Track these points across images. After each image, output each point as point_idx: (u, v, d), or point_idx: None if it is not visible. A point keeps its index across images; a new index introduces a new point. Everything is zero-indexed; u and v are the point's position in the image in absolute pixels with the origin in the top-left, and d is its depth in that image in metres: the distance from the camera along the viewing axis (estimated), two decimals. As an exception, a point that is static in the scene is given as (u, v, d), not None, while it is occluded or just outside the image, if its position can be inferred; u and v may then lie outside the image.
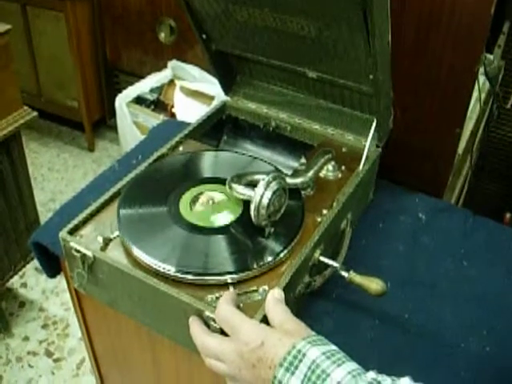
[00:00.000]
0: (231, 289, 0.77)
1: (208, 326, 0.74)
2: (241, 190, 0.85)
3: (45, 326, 2.13)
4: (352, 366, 0.61)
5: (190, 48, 2.46)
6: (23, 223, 1.95)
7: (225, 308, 0.70)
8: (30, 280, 2.28)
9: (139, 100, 2.35)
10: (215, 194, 0.90)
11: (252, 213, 0.80)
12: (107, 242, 0.85)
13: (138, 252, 0.81)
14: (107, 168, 1.19)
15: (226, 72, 1.13)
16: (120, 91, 2.39)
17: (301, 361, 0.61)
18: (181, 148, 1.04)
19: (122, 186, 0.94)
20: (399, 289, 0.93)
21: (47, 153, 2.99)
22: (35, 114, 1.78)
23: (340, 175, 0.99)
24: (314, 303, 0.89)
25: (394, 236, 1.03)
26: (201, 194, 0.91)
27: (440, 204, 1.11)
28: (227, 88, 1.14)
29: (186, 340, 0.76)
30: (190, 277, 0.78)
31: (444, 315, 0.90)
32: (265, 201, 0.79)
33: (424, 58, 1.05)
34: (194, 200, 0.90)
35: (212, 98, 2.21)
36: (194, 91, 2.24)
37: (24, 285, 2.27)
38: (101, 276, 0.84)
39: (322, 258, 0.86)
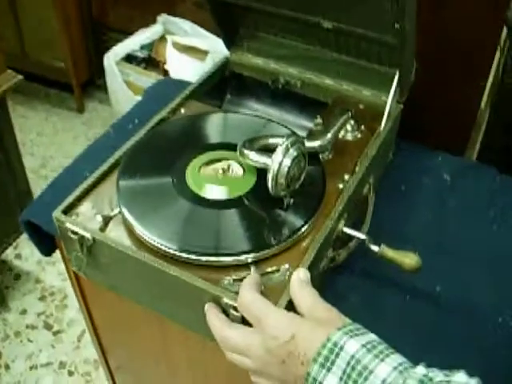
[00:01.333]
0: (253, 270, 0.69)
1: (227, 314, 0.66)
2: (255, 157, 0.75)
3: (42, 298, 2.06)
4: (397, 359, 0.53)
5: (181, 0, 2.32)
6: (14, 192, 1.85)
7: (248, 295, 0.62)
8: (25, 251, 2.19)
9: (129, 58, 2.23)
10: (224, 162, 0.81)
11: (270, 183, 0.71)
12: (107, 220, 0.76)
13: (141, 231, 0.72)
14: (101, 135, 1.09)
15: (229, 25, 1.02)
16: (108, 49, 2.26)
17: (338, 355, 0.54)
18: (182, 110, 0.94)
19: (121, 154, 0.84)
20: (428, 258, 0.84)
21: (35, 117, 2.87)
22: (20, 77, 1.67)
23: (359, 135, 0.90)
24: (337, 278, 0.81)
25: (418, 200, 0.95)
26: (210, 161, 0.81)
27: (464, 163, 1.03)
28: (230, 42, 1.03)
29: (201, 327, 0.69)
30: (203, 258, 0.69)
31: (478, 286, 0.83)
32: (284, 169, 0.70)
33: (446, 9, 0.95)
34: (203, 169, 0.81)
35: (206, 52, 2.09)
36: (186, 46, 2.12)
37: (18, 256, 2.18)
38: (102, 259, 0.76)
39: (347, 230, 0.77)
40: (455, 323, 0.78)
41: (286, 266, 0.70)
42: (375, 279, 0.82)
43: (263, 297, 0.62)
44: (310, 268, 0.69)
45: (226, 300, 0.65)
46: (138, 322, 0.95)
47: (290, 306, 0.64)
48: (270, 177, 0.70)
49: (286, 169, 0.70)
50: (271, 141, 0.79)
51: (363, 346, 0.54)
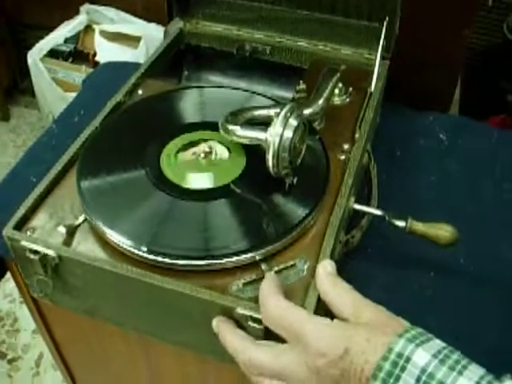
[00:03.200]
0: (265, 269, 0.57)
1: (243, 327, 0.53)
2: (243, 132, 0.62)
3: (-10, 325, 1.86)
4: (477, 371, 0.42)
5: (102, -13, 2.14)
6: None
7: (276, 303, 0.49)
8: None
9: (54, 53, 2.03)
10: (205, 144, 0.68)
11: (270, 161, 0.58)
12: (72, 231, 0.62)
13: (118, 239, 0.58)
14: (43, 133, 0.93)
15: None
16: (30, 49, 2.05)
17: (404, 369, 0.42)
18: (140, 91, 0.79)
19: (76, 150, 0.69)
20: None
21: (-44, 130, 2.61)
22: None
23: (348, 99, 0.78)
24: (350, 264, 0.70)
25: (419, 165, 0.85)
26: (188, 145, 0.68)
27: (457, 120, 0.93)
28: (182, 10, 0.89)
29: (209, 348, 0.56)
30: (201, 262, 0.56)
31: (504, 252, 0.74)
32: (285, 142, 0.58)
33: None
34: (181, 155, 0.67)
35: (138, 39, 1.93)
36: (116, 34, 1.95)
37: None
38: (72, 280, 0.61)
39: (359, 207, 0.66)
40: (487, 296, 0.69)
41: (303, 258, 0.58)
42: (392, 259, 0.71)
43: (295, 304, 0.49)
44: (331, 256, 0.58)
45: (240, 311, 0.53)
46: (114, 343, 0.81)
47: (319, 311, 0.53)
48: (270, 154, 0.58)
49: (288, 142, 0.58)
50: (257, 113, 0.67)
51: (434, 356, 0.42)
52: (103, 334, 0.79)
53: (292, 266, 0.57)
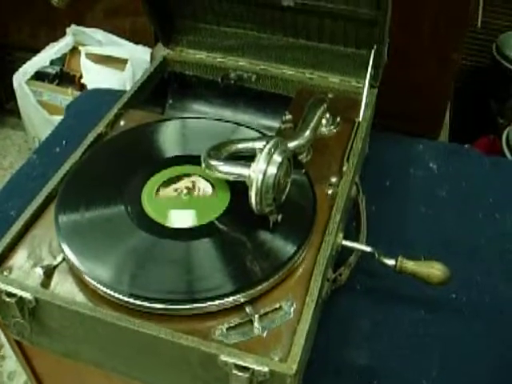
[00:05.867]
0: (252, 314, 0.54)
1: (226, 374, 0.50)
2: (226, 168, 0.60)
3: (-25, 353, 1.81)
4: None
5: (88, 9, 2.12)
6: None
7: None
8: None
9: (40, 76, 2.00)
10: (187, 180, 0.65)
11: (253, 199, 0.56)
12: (49, 272, 0.59)
13: (96, 281, 0.56)
14: (23, 164, 0.90)
15: (163, 16, 0.86)
16: (16, 70, 2.02)
17: None
18: (122, 122, 0.77)
19: (56, 184, 0.67)
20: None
21: None
22: None
23: (336, 129, 0.76)
24: (338, 303, 0.68)
25: (409, 195, 0.83)
26: (170, 180, 0.66)
27: (448, 148, 0.92)
28: (166, 37, 0.88)
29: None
30: (181, 306, 0.54)
31: (497, 284, 0.72)
32: (269, 179, 0.56)
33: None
34: (162, 191, 0.65)
35: (125, 61, 1.91)
36: (102, 57, 1.92)
37: None
38: (50, 323, 0.59)
39: (348, 243, 0.64)
40: (481, 330, 0.67)
41: (289, 300, 0.56)
42: (381, 296, 0.69)
43: None
44: (318, 297, 0.56)
45: (224, 358, 0.50)
46: (96, 381, 0.77)
47: (305, 355, 0.50)
48: (253, 191, 0.56)
49: (272, 179, 0.56)
50: (241, 146, 0.65)
51: None
52: (85, 371, 0.76)
53: (278, 308, 0.55)
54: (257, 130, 0.73)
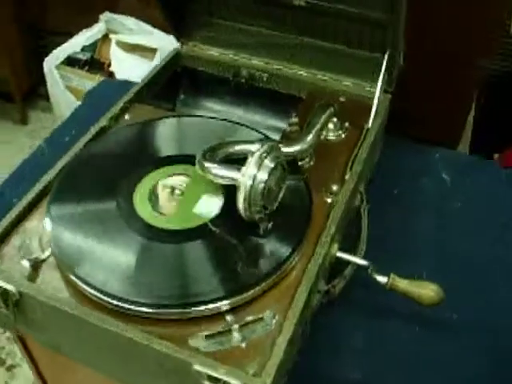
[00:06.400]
0: (230, 321, 0.53)
1: (198, 385, 0.49)
2: (218, 171, 0.59)
3: (-10, 332, 1.84)
4: None
5: (124, -3, 2.13)
6: None
7: None
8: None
9: (71, 61, 2.02)
10: (183, 180, 0.64)
11: (240, 205, 0.55)
12: (37, 265, 0.59)
13: (81, 279, 0.55)
14: (33, 151, 0.90)
15: (177, 10, 0.85)
16: (49, 54, 2.05)
17: None
18: (127, 116, 0.76)
19: (53, 177, 0.67)
20: (438, 279, 0.70)
21: (-25, 130, 2.63)
22: None
23: (344, 135, 0.74)
24: (330, 315, 0.66)
25: (416, 206, 0.80)
26: (163, 180, 0.64)
27: (465, 159, 0.89)
28: (180, 32, 0.86)
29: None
30: (160, 310, 0.53)
31: (503, 307, 0.68)
32: (259, 186, 0.54)
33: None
34: (156, 190, 0.64)
35: (154, 51, 1.90)
36: (132, 45, 1.92)
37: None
38: (34, 316, 0.58)
39: (342, 255, 0.62)
40: (481, 358, 0.64)
41: (272, 311, 0.54)
42: (375, 311, 0.66)
43: None
44: (304, 309, 0.54)
45: (197, 367, 0.49)
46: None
47: (283, 369, 0.49)
48: (241, 196, 0.54)
49: (262, 185, 0.54)
50: (238, 148, 0.63)
51: None
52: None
53: (259, 319, 0.53)
54: (259, 131, 0.71)
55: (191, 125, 0.73)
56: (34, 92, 2.67)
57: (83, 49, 2.05)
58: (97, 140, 0.71)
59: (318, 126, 0.68)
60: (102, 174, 0.66)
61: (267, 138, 0.69)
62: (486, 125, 1.12)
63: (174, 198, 0.62)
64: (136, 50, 1.93)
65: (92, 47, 2.05)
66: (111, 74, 1.92)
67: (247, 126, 0.71)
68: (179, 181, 0.64)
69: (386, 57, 0.71)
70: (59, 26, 2.38)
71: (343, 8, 0.70)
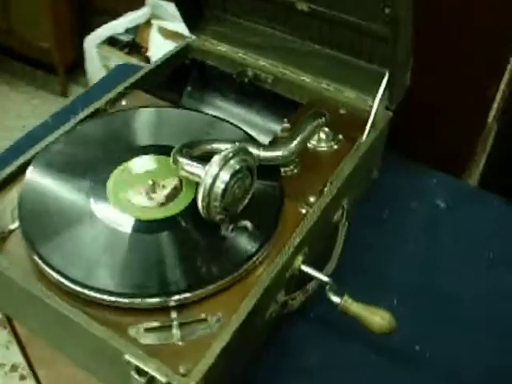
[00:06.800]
0: (174, 320, 0.53)
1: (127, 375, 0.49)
2: (189, 167, 0.58)
3: None
4: None
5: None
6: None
7: None
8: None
9: (112, 41, 2.05)
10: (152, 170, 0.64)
11: (199, 203, 0.54)
12: (4, 235, 0.60)
13: (38, 254, 0.56)
14: (39, 124, 0.92)
15: (191, 2, 0.85)
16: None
17: None
18: (124, 102, 0.77)
19: (35, 153, 0.68)
20: (409, 308, 0.69)
21: (16, 98, 2.70)
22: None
23: (336, 146, 0.73)
24: (291, 329, 0.65)
25: (404, 230, 0.78)
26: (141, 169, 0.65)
27: (464, 188, 0.86)
28: (192, 24, 0.86)
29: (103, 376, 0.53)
30: (106, 298, 0.53)
31: (472, 349, 0.66)
32: (219, 186, 0.54)
33: None
34: (130, 178, 0.64)
35: (195, 41, 1.91)
36: (173, 33, 1.94)
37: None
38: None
39: (306, 268, 0.61)
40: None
41: (219, 314, 0.53)
42: (338, 330, 0.65)
43: None
44: (251, 317, 0.53)
45: (127, 357, 0.49)
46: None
47: (214, 374, 0.48)
48: (199, 194, 0.54)
49: (223, 186, 0.54)
50: (215, 146, 0.63)
51: None
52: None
53: (203, 320, 0.53)
54: (243, 130, 0.70)
55: (177, 117, 0.73)
56: (78, 67, 2.71)
57: (127, 31, 2.08)
58: (87, 121, 0.72)
59: (304, 134, 0.67)
60: (82, 154, 0.66)
61: (251, 138, 0.69)
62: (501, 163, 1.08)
63: (146, 188, 0.62)
64: (175, 37, 1.94)
65: (135, 30, 2.08)
66: (148, 59, 1.94)
67: (236, 126, 0.71)
68: (154, 171, 0.64)
69: (387, 73, 0.70)
70: (108, 6, 2.42)
71: (345, 17, 0.68)
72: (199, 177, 0.56)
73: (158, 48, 1.88)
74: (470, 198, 0.82)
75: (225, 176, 0.53)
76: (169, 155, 0.62)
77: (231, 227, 0.57)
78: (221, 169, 0.53)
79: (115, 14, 2.27)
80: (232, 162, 0.54)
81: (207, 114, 0.75)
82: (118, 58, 1.97)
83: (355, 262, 0.72)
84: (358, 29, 0.71)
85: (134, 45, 2.05)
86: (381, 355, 0.63)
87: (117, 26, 2.05)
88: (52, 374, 0.94)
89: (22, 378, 1.68)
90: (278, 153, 0.65)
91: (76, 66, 2.71)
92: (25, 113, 2.62)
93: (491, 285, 0.72)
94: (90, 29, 2.35)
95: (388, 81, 0.71)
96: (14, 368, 1.71)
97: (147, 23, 2.05)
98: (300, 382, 0.61)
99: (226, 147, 0.61)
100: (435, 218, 0.79)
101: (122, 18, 2.08)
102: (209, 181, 0.53)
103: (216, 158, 0.53)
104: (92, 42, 2.01)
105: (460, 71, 0.85)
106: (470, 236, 0.77)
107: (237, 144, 0.56)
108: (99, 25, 2.30)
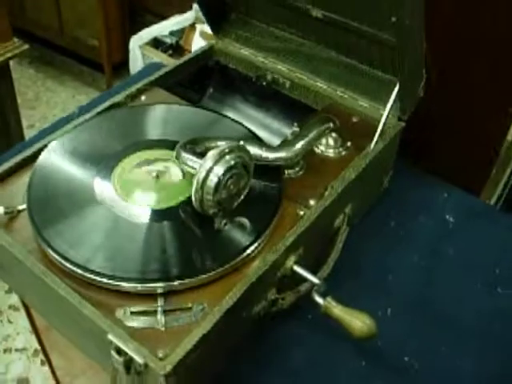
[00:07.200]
0: (161, 306, 0.55)
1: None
2: (190, 162, 0.60)
3: (29, 281, 1.95)
4: None
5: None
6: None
7: None
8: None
9: (157, 43, 2.11)
10: (162, 164, 0.66)
11: (193, 195, 0.56)
12: (13, 215, 0.63)
13: (42, 236, 0.59)
14: (67, 115, 0.96)
15: (216, 6, 0.87)
16: (144, 32, 2.14)
17: None
18: (143, 97, 0.80)
19: (50, 140, 0.71)
20: (404, 318, 0.69)
21: (63, 92, 2.80)
22: (26, 47, 1.57)
23: (344, 153, 0.74)
24: (281, 328, 0.66)
25: (409, 241, 0.78)
26: (146, 161, 0.67)
27: (476, 204, 0.85)
28: (216, 26, 0.89)
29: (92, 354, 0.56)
30: (98, 278, 0.55)
31: (462, 366, 0.65)
32: (212, 179, 0.55)
33: (474, 6, 0.77)
34: (136, 170, 0.66)
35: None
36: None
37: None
38: (1, 260, 0.63)
39: (298, 269, 0.62)
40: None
41: (204, 305, 0.55)
42: (328, 334, 0.65)
43: None
44: (234, 310, 0.54)
45: (110, 336, 0.51)
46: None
47: (190, 358, 0.50)
48: (193, 186, 0.55)
49: (216, 179, 0.55)
50: (220, 143, 0.64)
51: None
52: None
53: (187, 308, 0.55)
54: (250, 130, 0.72)
55: (186, 114, 0.75)
56: (125, 66, 2.79)
57: (171, 33, 2.12)
58: (103, 114, 0.75)
59: (309, 138, 0.68)
60: (93, 144, 0.69)
61: (255, 137, 0.71)
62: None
63: (149, 180, 0.64)
64: (217, 42, 1.97)
65: (179, 33, 2.13)
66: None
67: (243, 126, 0.72)
68: (160, 164, 0.66)
69: (398, 83, 0.70)
70: (158, 8, 2.48)
71: (357, 25, 0.69)
72: (194, 169, 0.58)
73: (199, 51, 1.91)
74: (480, 215, 0.82)
75: (218, 170, 0.55)
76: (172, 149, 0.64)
77: (224, 221, 0.59)
78: (215, 163, 0.55)
79: (164, 17, 2.33)
80: (227, 157, 0.55)
81: (216, 111, 0.77)
82: (160, 59, 2.02)
83: (354, 268, 0.72)
84: (369, 37, 0.72)
85: (177, 47, 2.10)
86: (367, 361, 0.64)
87: (162, 28, 2.10)
88: (65, 364, 0.98)
89: (43, 362, 1.74)
90: (281, 154, 0.67)
91: (123, 64, 2.79)
92: (70, 108, 2.70)
93: (492, 305, 0.71)
94: (139, 29, 2.41)
95: (399, 90, 0.71)
96: (36, 353, 1.76)
97: (192, 27, 2.09)
98: (285, 382, 0.62)
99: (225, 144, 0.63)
100: (442, 232, 0.79)
101: (168, 21, 2.13)
102: (202, 174, 0.55)
103: (211, 153, 0.55)
104: (137, 42, 2.06)
105: (481, 86, 0.85)
106: (476, 253, 0.76)
107: (233, 141, 0.57)
108: (148, 26, 2.36)
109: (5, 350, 1.76)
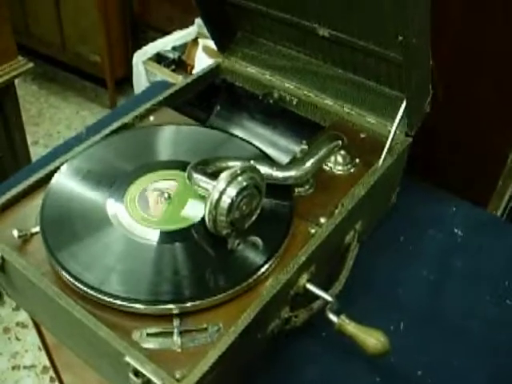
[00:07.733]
0: (176, 327, 0.55)
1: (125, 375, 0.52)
2: (202, 183, 0.61)
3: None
4: None
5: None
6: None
7: None
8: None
9: (159, 58, 2.12)
10: (165, 184, 0.67)
11: (206, 216, 0.57)
12: (26, 237, 0.64)
13: (56, 258, 0.59)
14: (73, 135, 0.97)
15: (222, 25, 0.88)
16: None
17: None
18: (152, 118, 0.81)
19: (64, 161, 0.72)
20: (415, 331, 0.69)
21: (66, 109, 2.81)
22: (30, 65, 1.58)
23: (352, 170, 0.74)
24: (295, 345, 0.66)
25: (419, 256, 0.78)
26: (156, 182, 0.68)
27: (484, 217, 0.85)
28: (223, 44, 0.90)
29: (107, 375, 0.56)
30: (115, 301, 0.56)
31: (474, 379, 0.65)
32: (225, 201, 0.56)
33: (479, 22, 0.78)
34: (148, 191, 0.67)
35: (238, 61, 1.96)
36: (217, 52, 1.99)
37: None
38: (14, 281, 0.63)
39: (311, 287, 0.62)
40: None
41: (219, 325, 0.55)
42: (341, 350, 0.66)
43: None
44: (249, 330, 0.55)
45: (127, 358, 0.51)
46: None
47: (207, 379, 0.50)
48: (206, 208, 0.56)
49: (229, 200, 0.56)
50: (230, 164, 0.65)
51: None
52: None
53: (203, 329, 0.55)
54: (261, 150, 0.73)
55: (202, 135, 0.76)
56: (128, 81, 2.80)
57: (173, 48, 2.14)
58: (114, 135, 0.75)
59: (318, 156, 0.69)
60: (105, 166, 0.70)
61: (265, 155, 0.71)
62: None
63: (162, 200, 0.65)
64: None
65: (181, 48, 2.14)
66: (192, 76, 1.99)
67: (253, 145, 0.73)
68: (169, 185, 0.67)
69: (405, 99, 0.71)
70: (160, 24, 2.50)
71: (363, 44, 0.70)
72: (207, 190, 0.58)
73: (203, 66, 1.92)
74: (489, 228, 0.82)
75: (231, 191, 0.56)
76: (183, 170, 0.65)
77: (237, 242, 0.59)
78: (228, 185, 0.55)
79: (166, 32, 2.35)
80: (240, 178, 0.56)
81: (225, 131, 0.78)
82: (163, 75, 2.03)
83: (366, 283, 0.73)
84: (376, 55, 0.72)
85: (179, 62, 2.11)
86: (382, 377, 0.64)
87: (165, 43, 2.12)
88: (77, 382, 0.98)
89: (53, 380, 1.73)
90: (291, 173, 0.67)
91: (126, 80, 2.80)
92: (74, 124, 2.72)
93: (501, 317, 0.71)
94: (141, 45, 2.43)
95: (406, 107, 0.72)
96: (45, 370, 1.76)
97: (194, 42, 2.11)
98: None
99: (235, 165, 0.64)
100: (451, 245, 0.79)
101: (171, 36, 2.14)
102: (216, 195, 0.55)
103: (224, 175, 0.56)
104: (141, 57, 2.08)
105: (486, 100, 0.85)
106: (485, 266, 0.77)
107: (245, 162, 0.58)
108: (150, 42, 2.38)
109: (13, 367, 1.76)
